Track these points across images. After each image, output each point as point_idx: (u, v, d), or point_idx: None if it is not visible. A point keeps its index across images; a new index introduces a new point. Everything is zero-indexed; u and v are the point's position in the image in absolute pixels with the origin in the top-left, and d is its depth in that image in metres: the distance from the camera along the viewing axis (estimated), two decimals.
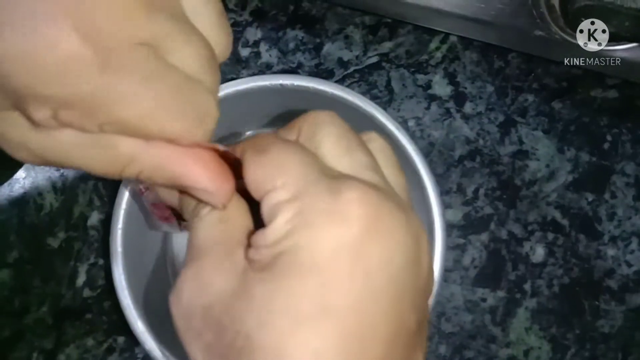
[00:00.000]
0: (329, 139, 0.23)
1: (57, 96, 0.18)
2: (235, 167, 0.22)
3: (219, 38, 0.21)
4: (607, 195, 0.41)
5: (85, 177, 0.42)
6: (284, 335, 0.19)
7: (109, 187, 0.41)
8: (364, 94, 0.42)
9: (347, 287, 0.19)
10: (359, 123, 0.35)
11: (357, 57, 0.42)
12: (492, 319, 0.40)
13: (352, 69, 0.42)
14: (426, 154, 0.41)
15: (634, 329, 0.40)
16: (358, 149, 0.23)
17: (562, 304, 0.40)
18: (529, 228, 0.41)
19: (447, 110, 0.42)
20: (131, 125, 0.19)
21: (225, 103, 0.34)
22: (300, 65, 0.42)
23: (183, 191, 0.23)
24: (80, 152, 0.19)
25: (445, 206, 0.41)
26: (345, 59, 0.42)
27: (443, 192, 0.41)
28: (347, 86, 0.42)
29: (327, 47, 0.42)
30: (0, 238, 0.41)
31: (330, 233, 0.19)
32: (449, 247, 0.40)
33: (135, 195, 0.33)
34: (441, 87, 0.42)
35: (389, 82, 0.42)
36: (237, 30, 0.42)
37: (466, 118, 0.42)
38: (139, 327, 0.32)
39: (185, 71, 0.19)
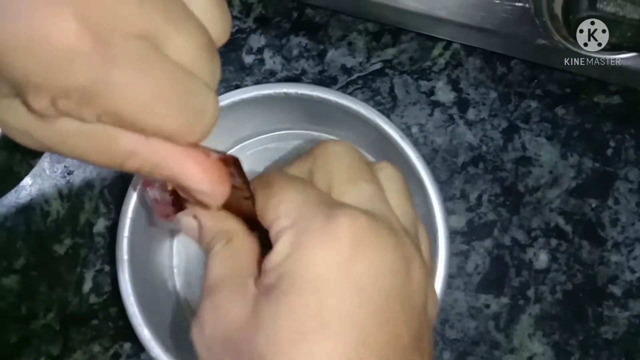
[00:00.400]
0: (340, 169, 0.26)
1: (56, 85, 0.18)
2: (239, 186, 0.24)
3: (216, 19, 0.21)
4: (610, 201, 0.41)
5: (91, 184, 0.42)
6: (291, 347, 0.20)
7: (115, 194, 0.42)
8: (367, 100, 0.42)
9: (341, 300, 0.21)
10: (362, 131, 0.35)
11: (360, 63, 0.43)
12: (496, 325, 0.40)
13: (355, 75, 0.42)
14: (429, 161, 0.41)
15: (637, 335, 0.40)
16: (364, 179, 0.25)
17: (566, 310, 0.40)
18: (532, 234, 0.41)
19: (451, 117, 0.42)
20: (127, 117, 0.19)
21: (229, 111, 0.35)
22: (304, 72, 0.42)
23: (179, 188, 0.24)
24: (79, 142, 0.20)
25: (448, 213, 0.41)
26: (349, 65, 0.42)
27: (446, 199, 0.41)
28: (351, 93, 0.42)
29: (331, 54, 0.43)
30: (7, 245, 0.41)
31: (322, 252, 0.22)
32: (452, 254, 0.40)
33: (142, 189, 0.33)
34: (444, 94, 0.42)
35: (392, 88, 0.42)
36: (241, 37, 0.43)
37: (469, 124, 0.42)
38: (145, 334, 0.33)
39: (183, 62, 0.19)
